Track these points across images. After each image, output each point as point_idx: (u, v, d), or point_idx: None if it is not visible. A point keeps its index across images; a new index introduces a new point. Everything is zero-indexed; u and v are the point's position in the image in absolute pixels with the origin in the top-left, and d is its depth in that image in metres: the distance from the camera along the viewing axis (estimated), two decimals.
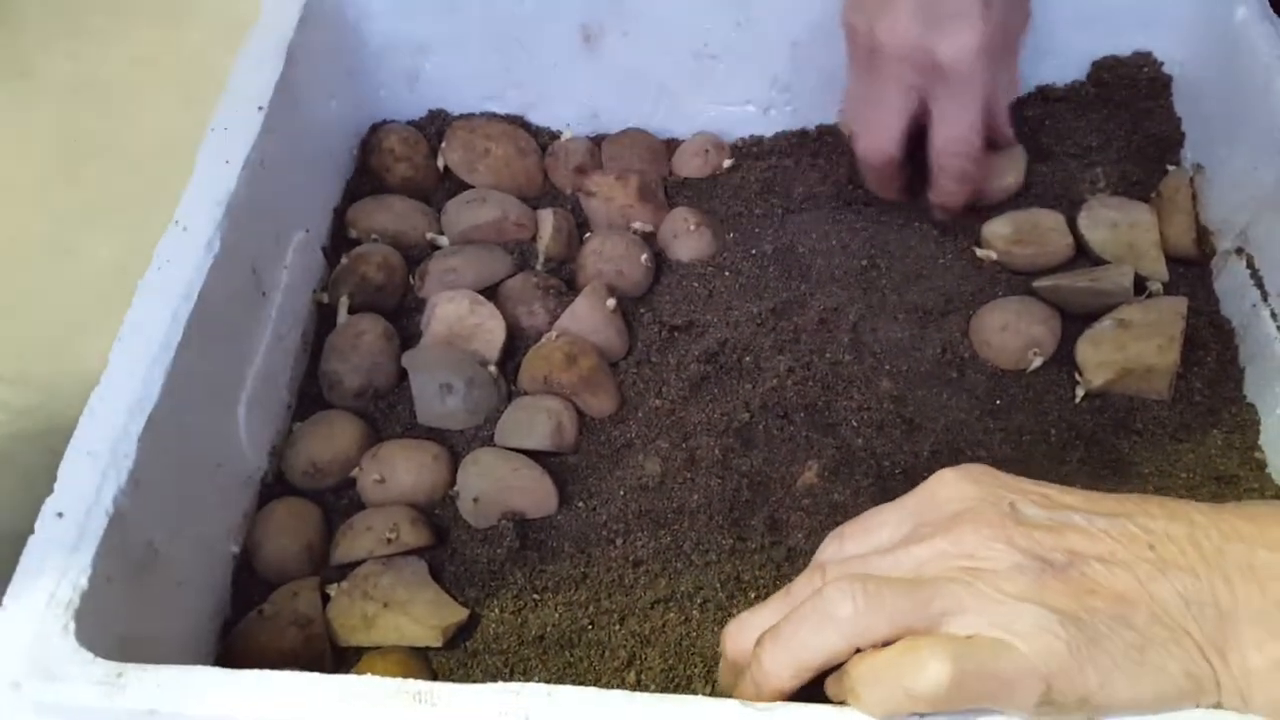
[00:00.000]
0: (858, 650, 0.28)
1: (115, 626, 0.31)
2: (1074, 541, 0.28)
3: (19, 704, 0.28)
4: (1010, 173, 0.51)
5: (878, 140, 0.47)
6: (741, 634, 0.31)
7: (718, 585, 0.40)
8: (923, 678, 0.27)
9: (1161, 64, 0.53)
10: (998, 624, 0.27)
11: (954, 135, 0.46)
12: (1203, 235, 0.49)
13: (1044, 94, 0.55)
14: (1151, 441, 0.44)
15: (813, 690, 0.29)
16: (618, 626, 0.39)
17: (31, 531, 0.31)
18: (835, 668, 0.29)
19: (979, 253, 0.50)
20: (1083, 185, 0.52)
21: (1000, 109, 0.49)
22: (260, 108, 0.44)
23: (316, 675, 0.28)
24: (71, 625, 0.29)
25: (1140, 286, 0.48)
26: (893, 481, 0.43)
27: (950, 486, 0.30)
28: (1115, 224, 0.49)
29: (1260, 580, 0.27)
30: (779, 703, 0.28)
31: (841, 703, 0.28)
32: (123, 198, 0.68)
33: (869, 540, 0.31)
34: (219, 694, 0.28)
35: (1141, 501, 0.29)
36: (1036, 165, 0.53)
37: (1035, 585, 0.27)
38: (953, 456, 0.43)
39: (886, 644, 0.28)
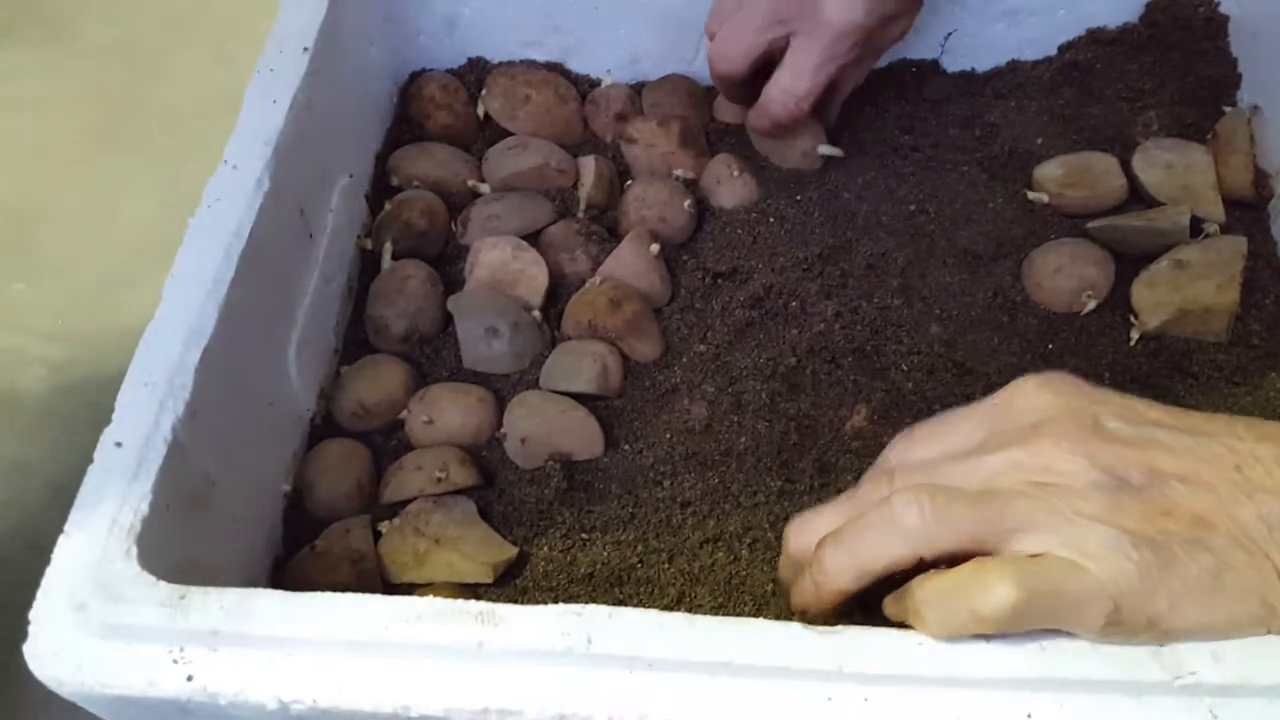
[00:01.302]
0: (921, 560, 0.28)
1: (174, 554, 0.31)
2: (1157, 459, 0.27)
3: (85, 624, 0.28)
4: (793, 155, 0.51)
5: (730, 47, 0.47)
6: (804, 532, 0.31)
7: (766, 526, 0.40)
8: (989, 600, 0.26)
9: (1218, 3, 0.52)
10: (1069, 543, 0.26)
11: (791, 88, 0.46)
12: (1260, 178, 0.48)
13: (1094, 36, 0.53)
14: (1208, 385, 0.43)
15: (868, 602, 0.29)
16: (666, 565, 0.39)
17: (71, 481, 0.31)
18: (895, 584, 0.29)
19: (1030, 196, 0.49)
20: (1135, 129, 0.51)
21: (839, 94, 0.50)
22: (305, 49, 0.44)
23: (378, 596, 0.28)
24: (134, 550, 0.29)
25: (1196, 229, 0.47)
26: None
27: (1030, 396, 0.29)
28: (1170, 165, 0.48)
29: None
30: (841, 626, 0.28)
31: (901, 624, 0.28)
32: (158, 157, 0.68)
33: (939, 445, 0.30)
34: (281, 615, 0.28)
35: (1229, 422, 0.28)
36: (1087, 109, 0.52)
37: (1110, 505, 0.27)
38: None
39: (952, 556, 0.28)
